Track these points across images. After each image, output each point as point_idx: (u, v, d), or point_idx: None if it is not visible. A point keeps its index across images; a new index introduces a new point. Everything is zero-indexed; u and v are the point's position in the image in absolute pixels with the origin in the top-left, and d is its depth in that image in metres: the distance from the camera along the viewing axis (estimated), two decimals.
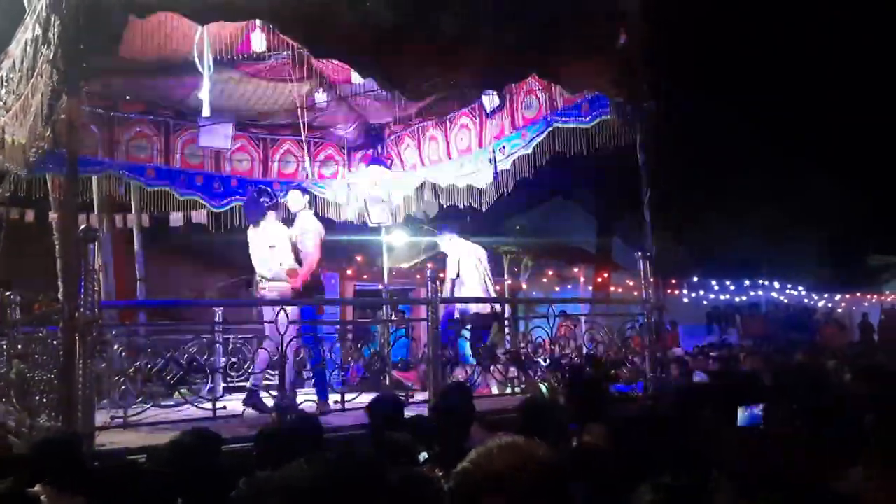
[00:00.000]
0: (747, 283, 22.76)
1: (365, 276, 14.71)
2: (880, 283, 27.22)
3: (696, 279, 21.09)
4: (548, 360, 7.22)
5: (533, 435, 3.72)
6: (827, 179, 20.10)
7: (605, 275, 18.52)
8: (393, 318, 9.41)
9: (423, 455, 3.93)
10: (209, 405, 6.09)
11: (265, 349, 6.26)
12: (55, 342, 4.99)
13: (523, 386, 6.83)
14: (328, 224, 9.95)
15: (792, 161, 20.55)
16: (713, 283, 21.92)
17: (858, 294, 25.63)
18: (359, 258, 14.42)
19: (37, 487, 3.48)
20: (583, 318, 7.95)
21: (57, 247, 7.32)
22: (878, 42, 16.97)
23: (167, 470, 3.52)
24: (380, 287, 10.72)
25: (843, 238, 23.86)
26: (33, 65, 5.10)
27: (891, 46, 16.62)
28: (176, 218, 9.55)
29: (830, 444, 3.24)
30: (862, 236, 24.32)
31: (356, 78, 7.46)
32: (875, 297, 25.90)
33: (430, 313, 6.08)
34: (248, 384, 6.49)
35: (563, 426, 4.16)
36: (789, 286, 23.71)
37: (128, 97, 8.12)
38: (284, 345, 5.76)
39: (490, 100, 7.97)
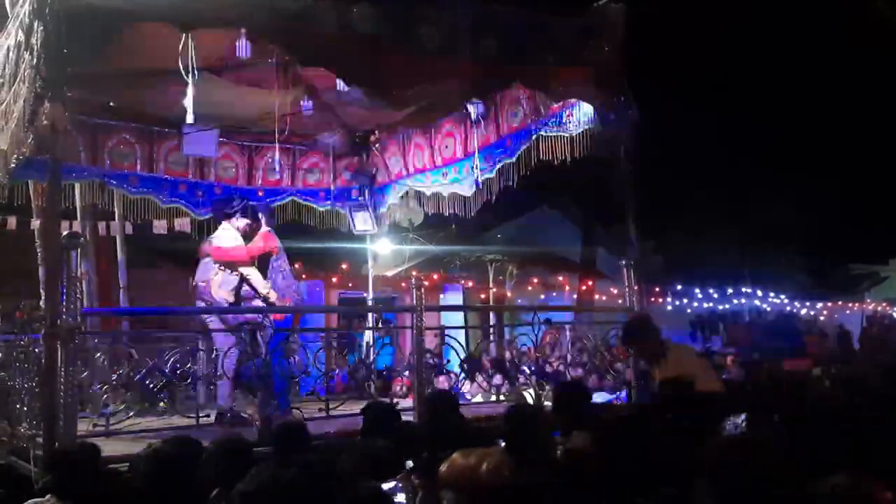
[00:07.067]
0: (730, 291, 22.88)
1: (350, 285, 14.69)
2: (861, 291, 27.48)
3: (679, 287, 21.18)
4: (532, 368, 7.24)
5: (517, 442, 3.73)
6: (809, 189, 20.30)
7: (590, 283, 18.57)
8: (379, 325, 9.38)
9: (409, 464, 3.93)
10: (192, 413, 6.06)
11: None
12: (37, 350, 4.95)
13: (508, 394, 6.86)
14: (311, 232, 9.98)
15: (774, 170, 20.74)
16: (697, 291, 22.02)
17: (840, 302, 25.85)
18: (343, 266, 14.40)
19: (46, 497, 3.47)
20: (567, 327, 7.97)
21: (39, 254, 7.27)
22: (857, 58, 17.19)
23: (148, 478, 3.50)
24: (364, 295, 10.69)
25: (824, 247, 24.09)
26: (15, 71, 5.07)
27: (868, 64, 16.85)
28: (159, 226, 9.49)
29: (812, 452, 3.26)
30: (843, 245, 24.54)
31: (341, 86, 7.46)
32: (857, 305, 26.12)
33: (414, 321, 6.08)
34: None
35: (547, 434, 4.17)
36: (772, 294, 23.86)
37: (111, 104, 8.07)
38: (267, 354, 5.76)
39: (475, 108, 7.99)
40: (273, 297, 7.03)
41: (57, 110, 4.72)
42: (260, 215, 7.49)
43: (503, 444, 3.95)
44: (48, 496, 3.49)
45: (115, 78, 6.86)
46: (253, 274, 7.05)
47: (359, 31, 5.45)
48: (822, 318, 25.38)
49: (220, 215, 7.42)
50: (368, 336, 8.77)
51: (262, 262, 7.44)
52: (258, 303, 7.03)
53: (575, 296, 18.34)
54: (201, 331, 7.47)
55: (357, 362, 6.74)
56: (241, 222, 7.25)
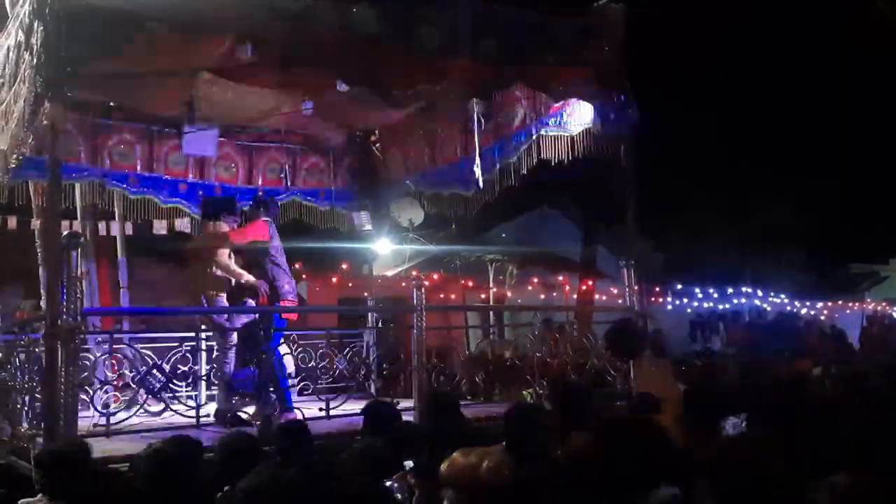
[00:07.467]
0: (730, 291, 22.87)
1: (350, 285, 14.67)
2: (861, 291, 27.46)
3: (679, 287, 21.16)
4: (532, 368, 7.24)
5: (517, 442, 3.73)
6: (809, 189, 20.30)
7: (590, 283, 18.55)
8: (379, 325, 9.37)
9: (409, 464, 3.94)
10: (192, 412, 6.07)
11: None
12: (37, 350, 4.96)
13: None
14: (311, 232, 9.97)
15: (774, 170, 20.74)
16: (697, 291, 22.01)
17: (840, 302, 25.83)
18: (343, 266, 14.38)
19: (38, 497, 3.48)
20: (567, 327, 7.97)
21: (39, 254, 7.28)
22: (857, 58, 17.19)
23: (148, 478, 3.50)
24: (365, 295, 10.70)
25: (824, 247, 24.08)
26: (16, 71, 5.08)
27: (868, 64, 16.85)
28: (159, 226, 9.49)
29: (812, 452, 3.26)
30: (843, 245, 24.54)
31: (342, 86, 7.45)
32: (857, 305, 26.10)
33: (416, 321, 6.09)
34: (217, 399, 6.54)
35: (547, 434, 4.17)
36: (772, 294, 23.85)
37: (111, 104, 8.07)
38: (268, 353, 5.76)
39: (476, 108, 7.98)
40: (251, 280, 6.93)
41: (57, 110, 4.72)
42: (260, 207, 7.43)
43: (503, 443, 3.96)
44: (39, 496, 3.49)
45: (115, 78, 6.86)
46: (221, 262, 6.88)
47: (359, 31, 5.47)
48: (822, 317, 25.35)
49: (210, 212, 7.35)
50: (368, 336, 8.77)
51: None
52: (251, 302, 6.98)
53: (575, 296, 18.33)
54: (202, 331, 7.48)
55: (357, 362, 6.72)
56: (231, 220, 7.22)
